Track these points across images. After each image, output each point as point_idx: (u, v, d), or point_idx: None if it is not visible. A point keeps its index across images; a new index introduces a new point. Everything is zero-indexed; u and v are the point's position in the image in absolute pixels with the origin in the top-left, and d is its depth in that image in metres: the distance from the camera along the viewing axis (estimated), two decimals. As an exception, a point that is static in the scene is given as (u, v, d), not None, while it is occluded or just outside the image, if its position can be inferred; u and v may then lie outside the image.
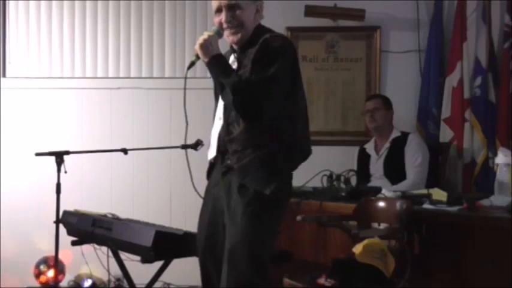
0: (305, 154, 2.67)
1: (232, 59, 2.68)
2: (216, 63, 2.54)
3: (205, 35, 2.54)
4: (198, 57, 2.58)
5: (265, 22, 4.68)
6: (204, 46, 2.53)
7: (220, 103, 2.66)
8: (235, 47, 2.66)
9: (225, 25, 2.59)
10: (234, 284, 2.47)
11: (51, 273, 4.62)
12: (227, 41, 2.68)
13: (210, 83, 5.22)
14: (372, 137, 4.40)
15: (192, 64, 2.61)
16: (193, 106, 4.90)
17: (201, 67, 4.90)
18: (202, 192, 2.78)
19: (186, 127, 2.69)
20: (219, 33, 2.60)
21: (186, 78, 2.65)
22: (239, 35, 2.59)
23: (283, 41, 2.59)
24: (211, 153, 2.69)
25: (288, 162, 2.60)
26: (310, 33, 4.81)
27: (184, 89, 2.68)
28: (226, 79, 2.50)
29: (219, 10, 2.60)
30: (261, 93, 2.46)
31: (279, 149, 2.53)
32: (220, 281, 2.56)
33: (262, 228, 2.51)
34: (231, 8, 2.57)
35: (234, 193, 2.52)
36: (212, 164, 2.74)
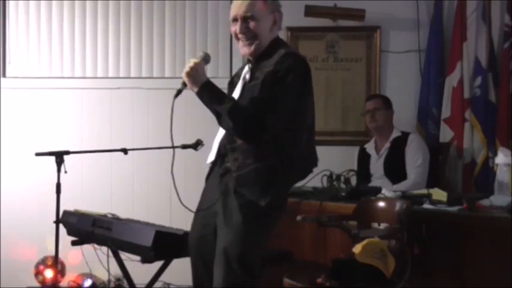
0: (307, 168, 2.70)
1: (246, 69, 2.66)
2: (206, 92, 2.52)
3: (191, 63, 2.51)
4: (185, 85, 2.56)
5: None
6: (191, 74, 2.51)
7: None
8: (250, 58, 2.64)
9: (239, 36, 2.58)
10: (226, 284, 2.48)
11: (51, 273, 4.62)
12: (240, 52, 2.67)
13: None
14: (372, 137, 4.40)
15: (179, 92, 2.59)
16: (194, 106, 4.92)
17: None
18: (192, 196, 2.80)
19: (173, 153, 2.80)
20: (205, 59, 2.58)
21: (173, 107, 2.67)
22: (252, 47, 2.58)
23: (293, 59, 2.56)
24: (211, 157, 2.70)
25: (287, 176, 2.60)
26: (310, 33, 4.81)
27: (171, 114, 2.72)
28: (220, 106, 2.49)
29: (235, 20, 2.58)
30: (261, 115, 2.45)
31: (280, 163, 2.53)
32: (210, 282, 2.57)
33: (255, 231, 2.52)
34: (246, 19, 2.55)
35: (231, 195, 2.53)
36: (211, 168, 2.76)
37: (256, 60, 2.61)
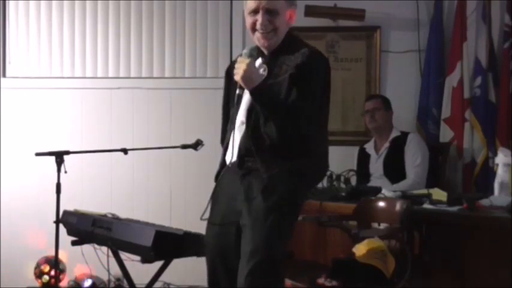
0: (327, 168, 2.70)
1: (259, 61, 2.60)
2: (262, 92, 2.45)
3: (243, 65, 2.44)
4: (242, 89, 2.49)
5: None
6: (247, 78, 2.43)
7: (242, 108, 2.58)
8: (264, 50, 2.59)
9: (259, 27, 2.53)
10: (254, 285, 2.42)
11: (51, 273, 4.62)
12: (255, 42, 2.61)
13: (209, 83, 5.22)
14: (371, 137, 4.40)
15: (239, 98, 2.53)
16: (193, 106, 4.93)
17: (200, 67, 4.93)
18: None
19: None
20: (252, 55, 2.52)
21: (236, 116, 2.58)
22: (272, 41, 2.55)
23: (320, 60, 2.55)
24: (231, 157, 2.58)
25: (316, 175, 2.63)
26: (310, 33, 4.80)
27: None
28: (272, 109, 2.45)
29: (255, 11, 2.54)
30: (303, 118, 2.45)
31: (309, 162, 2.51)
32: (229, 281, 2.53)
33: (282, 233, 2.48)
34: (269, 12, 2.52)
35: (256, 196, 2.47)
36: (223, 166, 2.67)
37: (272, 54, 2.57)
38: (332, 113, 4.72)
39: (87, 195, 4.74)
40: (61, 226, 3.56)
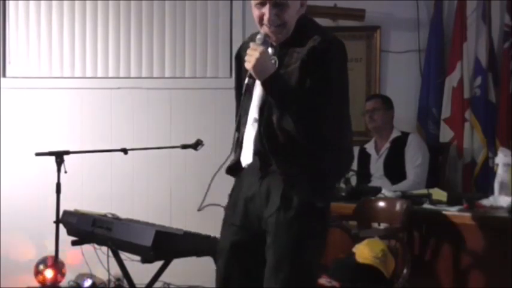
0: (351, 160, 2.48)
1: (270, 52, 2.37)
2: (274, 83, 2.25)
3: (256, 53, 2.23)
4: (252, 78, 2.28)
5: (265, 22, 4.60)
6: (259, 68, 2.23)
7: (253, 104, 2.38)
8: (273, 42, 2.38)
9: (266, 22, 2.31)
10: None
11: (51, 273, 4.61)
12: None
13: (209, 83, 5.22)
14: (372, 137, 4.40)
15: (247, 87, 2.32)
16: (193, 106, 4.93)
17: (200, 67, 4.93)
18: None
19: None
20: (266, 42, 2.30)
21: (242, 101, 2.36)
22: (280, 35, 2.33)
23: (335, 45, 2.33)
24: (247, 158, 2.41)
25: (337, 171, 2.43)
26: (310, 33, 4.80)
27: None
28: (286, 102, 2.24)
29: (262, 3, 2.32)
30: (319, 109, 2.25)
31: (329, 159, 2.31)
32: (242, 283, 2.40)
33: (309, 242, 2.30)
34: (278, 6, 2.30)
35: (275, 202, 2.30)
36: (237, 164, 2.47)
37: (282, 45, 2.36)
38: (332, 113, 4.80)
39: (87, 195, 4.74)
40: (61, 226, 3.56)
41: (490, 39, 4.47)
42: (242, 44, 2.57)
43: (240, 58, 2.47)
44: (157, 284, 3.66)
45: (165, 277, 3.65)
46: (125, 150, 3.64)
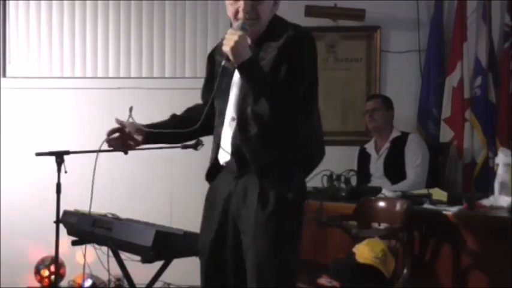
0: (321, 154, 2.52)
1: None
2: (251, 68, 2.31)
3: (235, 36, 2.26)
4: (229, 61, 2.30)
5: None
6: (237, 50, 2.25)
7: (230, 102, 2.43)
8: (249, 41, 2.41)
9: (241, 15, 2.37)
10: None
11: (51, 273, 4.61)
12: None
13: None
14: (372, 137, 4.40)
15: (224, 69, 2.34)
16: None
17: (200, 67, 4.93)
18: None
19: None
20: (245, 28, 2.33)
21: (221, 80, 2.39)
22: (253, 28, 2.38)
23: (308, 38, 2.42)
24: (225, 156, 2.46)
25: (306, 163, 2.46)
26: (310, 33, 4.81)
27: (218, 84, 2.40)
28: (262, 87, 2.30)
29: None
30: (292, 97, 2.31)
31: (298, 150, 2.38)
32: (223, 284, 2.44)
33: (287, 237, 2.35)
34: None
35: (253, 201, 2.34)
36: (215, 166, 2.53)
37: (257, 41, 2.43)
38: (332, 113, 4.81)
39: (87, 195, 4.73)
40: (61, 226, 3.56)
41: (490, 39, 4.47)
42: (215, 46, 2.63)
43: (212, 59, 2.55)
44: (157, 284, 3.66)
45: (165, 277, 3.65)
46: (125, 150, 3.63)
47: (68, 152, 3.50)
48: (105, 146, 2.74)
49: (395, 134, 4.25)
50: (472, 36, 4.52)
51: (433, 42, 4.60)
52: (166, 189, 4.89)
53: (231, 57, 2.28)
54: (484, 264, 3.01)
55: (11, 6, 5.06)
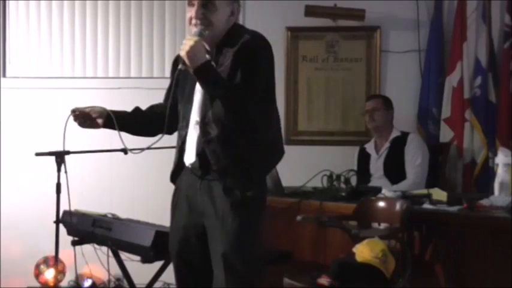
0: (280, 154, 2.62)
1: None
2: (206, 72, 2.40)
3: (191, 41, 2.36)
4: (185, 65, 2.41)
5: (265, 22, 4.67)
6: (192, 54, 2.35)
7: (195, 106, 2.55)
8: (207, 47, 2.49)
9: (193, 21, 2.46)
10: (233, 286, 2.42)
11: (51, 273, 4.62)
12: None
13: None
14: (372, 137, 4.40)
15: (180, 72, 2.49)
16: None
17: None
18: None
19: None
20: (202, 35, 2.44)
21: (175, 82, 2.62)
22: (208, 34, 2.45)
23: (263, 41, 2.50)
24: (190, 158, 2.59)
25: (265, 162, 2.56)
26: (310, 33, 4.81)
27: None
28: (218, 90, 2.40)
29: (191, 4, 2.48)
30: (249, 99, 2.40)
31: (257, 150, 2.47)
32: (196, 282, 2.56)
33: (252, 229, 2.47)
34: (205, 6, 2.45)
35: (218, 196, 2.46)
36: (178, 166, 2.71)
37: (218, 47, 2.50)
38: (332, 113, 4.80)
39: (87, 195, 4.73)
40: (61, 226, 3.56)
41: (490, 39, 4.47)
42: (178, 55, 2.67)
43: (176, 65, 2.61)
44: (157, 284, 3.66)
45: (165, 277, 3.65)
46: (124, 150, 3.63)
47: (68, 152, 3.50)
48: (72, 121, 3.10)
49: (395, 134, 4.25)
50: (472, 36, 4.52)
51: (433, 42, 4.59)
52: (167, 189, 4.87)
53: (186, 61, 2.38)
54: (484, 264, 3.01)
55: (11, 6, 5.06)
